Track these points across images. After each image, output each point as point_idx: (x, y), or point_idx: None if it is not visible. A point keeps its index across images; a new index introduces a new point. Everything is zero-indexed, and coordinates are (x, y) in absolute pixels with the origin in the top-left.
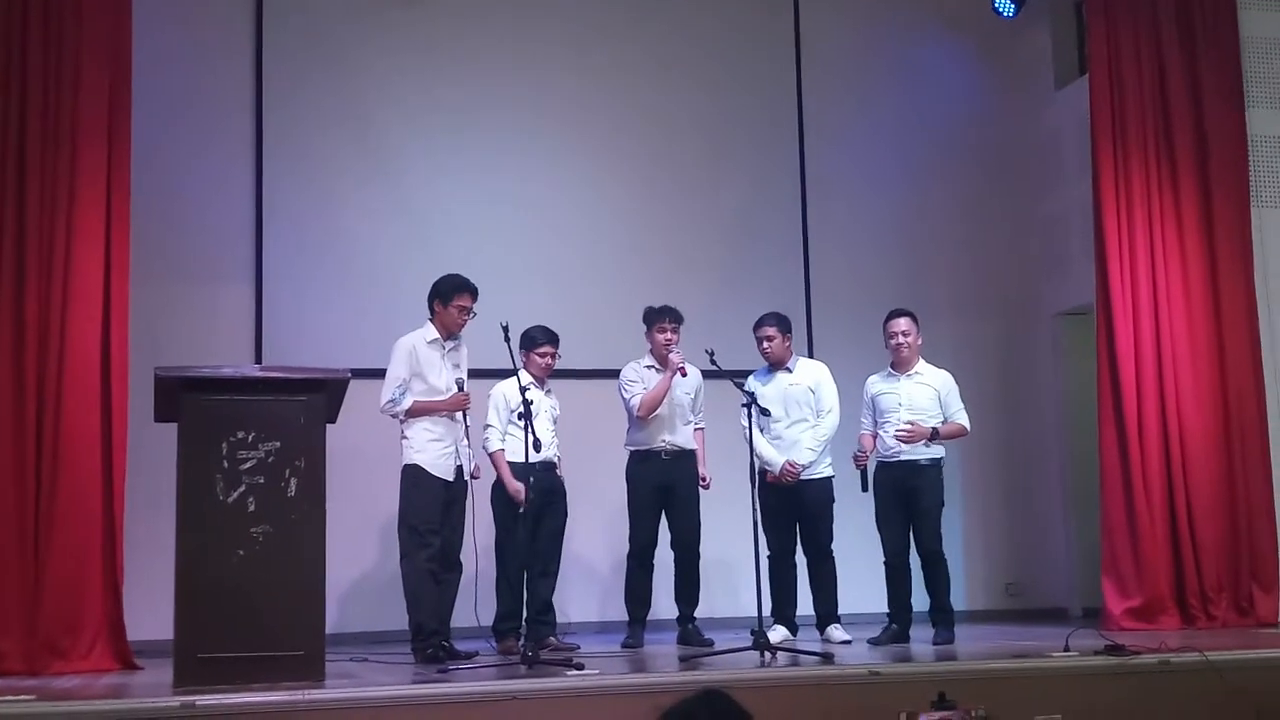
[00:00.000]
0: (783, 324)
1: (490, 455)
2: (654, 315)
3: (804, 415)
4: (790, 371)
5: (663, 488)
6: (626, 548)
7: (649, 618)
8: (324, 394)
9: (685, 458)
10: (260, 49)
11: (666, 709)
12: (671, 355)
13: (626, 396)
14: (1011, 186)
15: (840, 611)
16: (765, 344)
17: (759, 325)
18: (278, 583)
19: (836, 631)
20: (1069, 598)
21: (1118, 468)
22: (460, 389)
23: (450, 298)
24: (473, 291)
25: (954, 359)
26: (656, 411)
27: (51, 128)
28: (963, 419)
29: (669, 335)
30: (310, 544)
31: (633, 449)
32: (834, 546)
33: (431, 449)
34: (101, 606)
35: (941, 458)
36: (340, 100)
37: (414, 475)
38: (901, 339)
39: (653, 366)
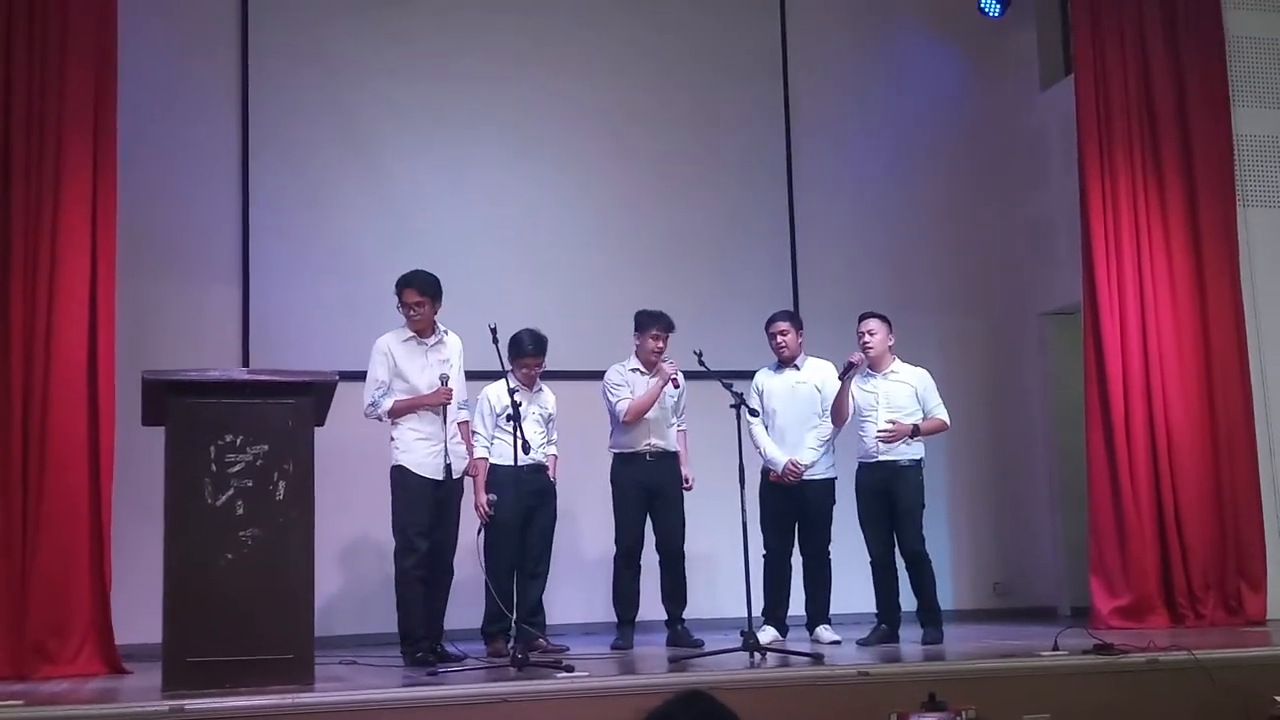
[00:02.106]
0: (795, 321)
1: (473, 461)
2: (647, 321)
3: (809, 414)
4: (799, 369)
5: (648, 489)
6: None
7: (638, 619)
8: (312, 397)
9: (669, 459)
10: (246, 45)
11: (649, 712)
12: (665, 365)
13: (612, 400)
14: (998, 186)
15: (829, 611)
16: (780, 338)
17: (772, 322)
18: (266, 586)
19: (825, 632)
20: (1057, 597)
21: (1105, 467)
22: (443, 383)
23: (398, 296)
24: (418, 286)
25: (941, 358)
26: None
27: (37, 125)
28: (942, 414)
29: (661, 344)
30: (299, 547)
31: (617, 451)
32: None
33: (418, 448)
34: (89, 610)
35: (921, 458)
36: (327, 97)
37: (400, 477)
38: (868, 338)
39: (637, 369)
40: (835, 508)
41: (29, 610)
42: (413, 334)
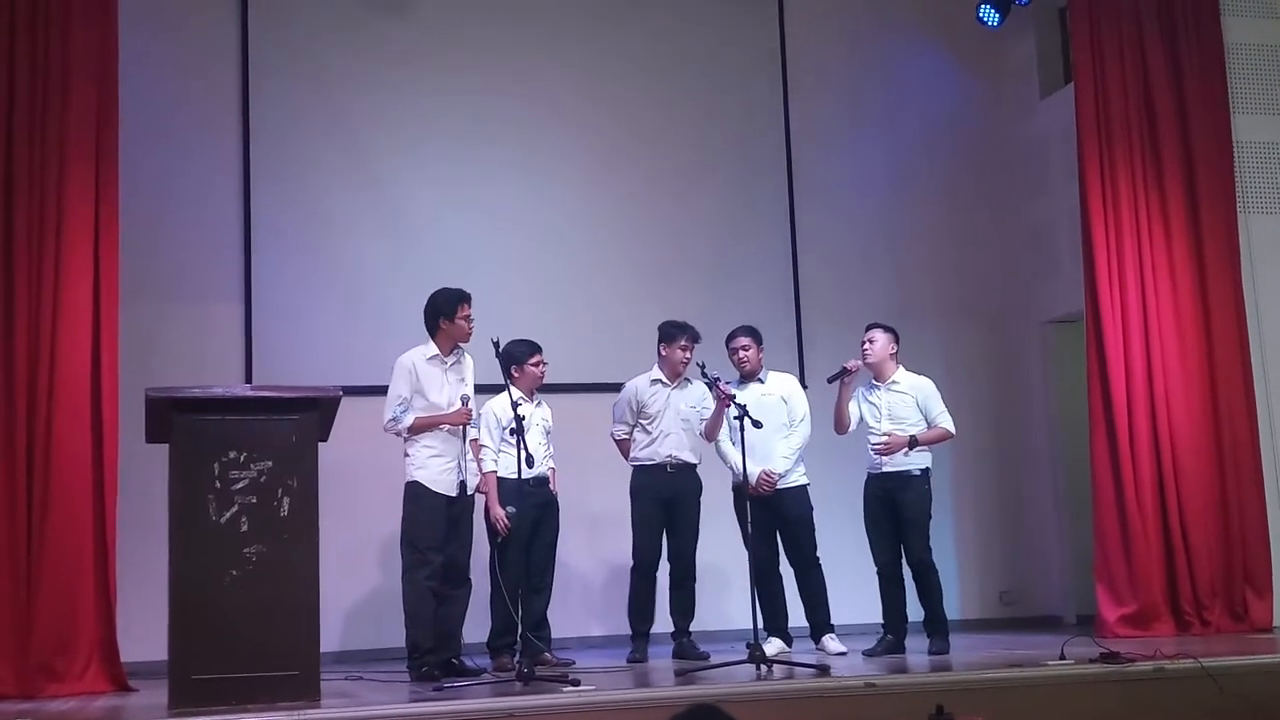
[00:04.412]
0: (756, 336)
1: (483, 475)
2: (675, 331)
3: (777, 425)
4: (762, 382)
5: (666, 501)
6: (619, 561)
7: (650, 632)
8: (315, 412)
9: (689, 471)
10: (246, 64)
11: None
12: (722, 386)
13: (615, 415)
14: (999, 194)
15: (834, 622)
16: (741, 353)
17: (732, 337)
18: (272, 603)
19: (831, 642)
20: (1063, 605)
21: (1109, 474)
22: (464, 404)
23: (455, 310)
24: (470, 299)
25: (944, 367)
26: (661, 427)
27: (39, 145)
28: (945, 422)
29: (688, 355)
30: (304, 563)
31: (637, 464)
32: (828, 557)
33: (432, 465)
34: (95, 628)
35: (928, 467)
36: (327, 115)
37: (415, 492)
38: (867, 346)
39: (660, 380)
40: (831, 518)
41: (34, 628)
42: (437, 352)
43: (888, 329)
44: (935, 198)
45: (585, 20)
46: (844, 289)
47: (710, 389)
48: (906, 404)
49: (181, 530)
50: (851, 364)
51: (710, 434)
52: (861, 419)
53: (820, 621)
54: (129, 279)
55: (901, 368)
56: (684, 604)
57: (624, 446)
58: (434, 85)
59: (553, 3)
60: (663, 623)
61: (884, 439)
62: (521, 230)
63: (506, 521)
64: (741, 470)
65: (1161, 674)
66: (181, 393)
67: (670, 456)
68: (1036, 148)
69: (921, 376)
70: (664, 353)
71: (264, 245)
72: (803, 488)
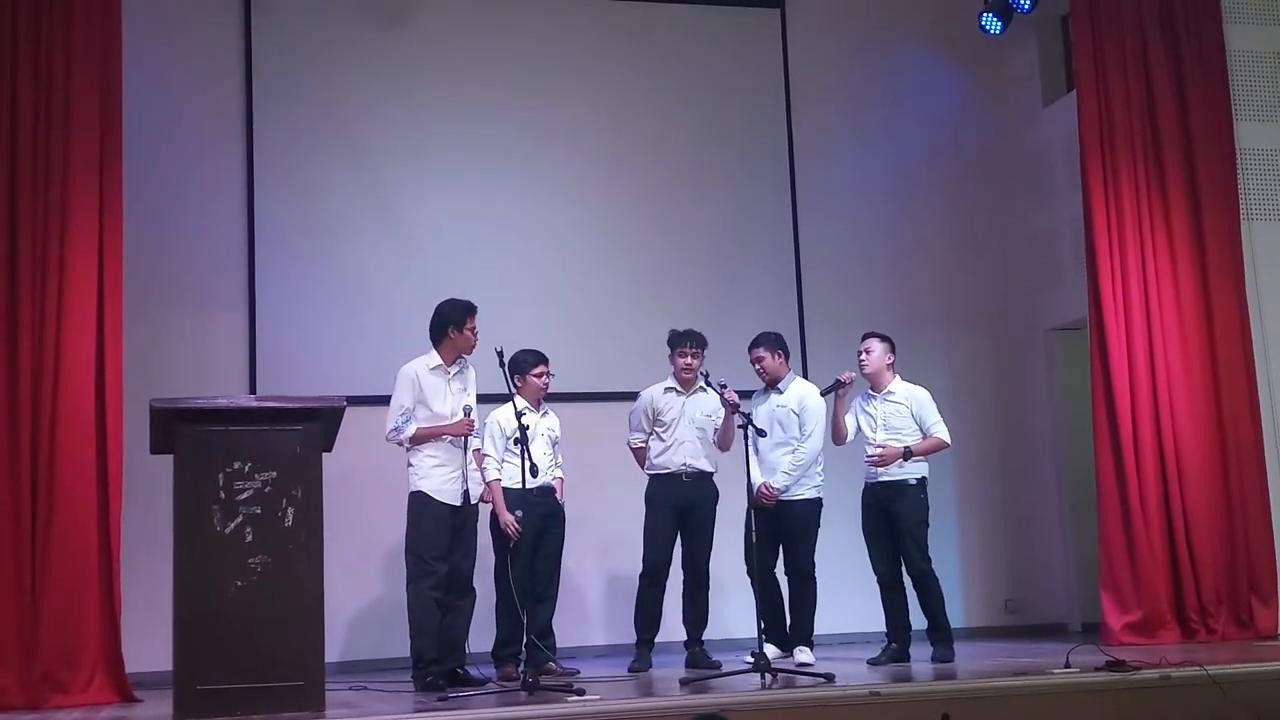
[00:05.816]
0: (772, 344)
1: (487, 484)
2: (676, 339)
3: (787, 437)
4: (780, 392)
5: (682, 509)
6: (624, 571)
7: (655, 640)
8: (320, 423)
9: (704, 480)
10: (250, 74)
11: None
12: (728, 394)
13: (631, 424)
14: (1002, 203)
15: (839, 630)
16: (756, 365)
17: (751, 346)
18: (276, 613)
19: (801, 653)
20: (1068, 613)
21: (1114, 482)
22: (467, 414)
23: (464, 321)
24: (476, 310)
25: (948, 375)
26: (676, 435)
27: (43, 157)
28: (940, 432)
29: (689, 360)
30: (308, 573)
31: (652, 473)
32: (831, 565)
33: (436, 475)
34: (100, 638)
35: (924, 477)
36: (331, 125)
37: (419, 502)
38: (864, 356)
39: (673, 389)
40: (835, 527)
41: (39, 639)
42: (440, 363)
43: (884, 338)
44: (938, 206)
45: (589, 31)
46: (847, 297)
47: (719, 396)
48: (901, 414)
49: (186, 540)
50: (845, 376)
51: (724, 443)
52: (859, 429)
53: (800, 632)
54: (133, 288)
55: (898, 377)
56: (697, 613)
57: (640, 455)
58: (437, 95)
59: (556, 14)
60: (669, 631)
61: (879, 450)
62: (525, 239)
63: (517, 526)
64: (747, 480)
65: (1167, 682)
66: (186, 403)
67: (685, 465)
68: (1039, 156)
69: (917, 386)
70: (670, 361)
71: (268, 255)
72: (809, 501)
